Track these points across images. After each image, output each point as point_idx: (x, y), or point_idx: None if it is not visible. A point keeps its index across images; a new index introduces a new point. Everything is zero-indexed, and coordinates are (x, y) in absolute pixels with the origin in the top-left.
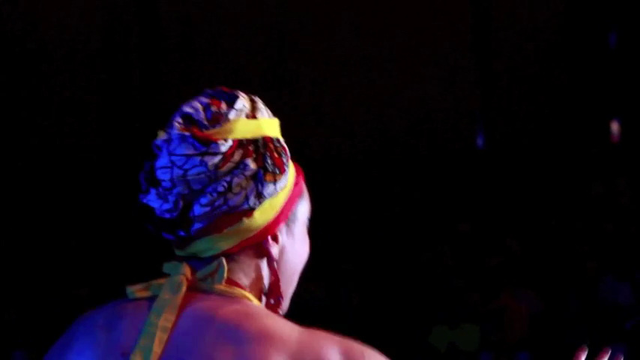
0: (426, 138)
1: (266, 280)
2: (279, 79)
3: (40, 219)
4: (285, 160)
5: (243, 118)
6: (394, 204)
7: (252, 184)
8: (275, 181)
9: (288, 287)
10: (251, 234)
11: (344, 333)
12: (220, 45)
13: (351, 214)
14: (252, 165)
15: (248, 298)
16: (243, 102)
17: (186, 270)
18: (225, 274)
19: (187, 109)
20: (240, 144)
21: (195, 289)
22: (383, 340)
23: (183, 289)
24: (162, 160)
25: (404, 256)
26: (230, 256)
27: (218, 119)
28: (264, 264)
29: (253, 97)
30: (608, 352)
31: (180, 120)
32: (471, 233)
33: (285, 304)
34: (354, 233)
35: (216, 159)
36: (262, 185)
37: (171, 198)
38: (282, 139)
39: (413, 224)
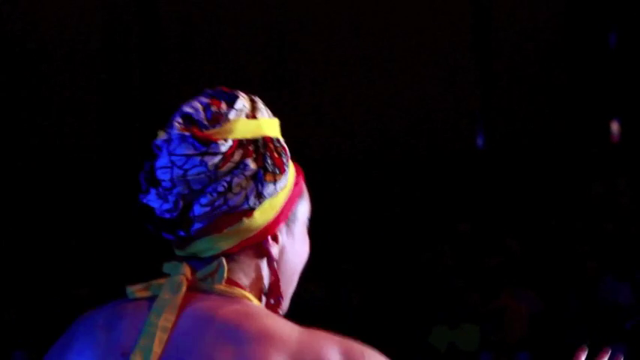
0: (426, 138)
1: (266, 280)
2: (279, 79)
3: (40, 219)
4: (285, 160)
5: (243, 118)
6: (394, 204)
7: (252, 184)
8: (275, 181)
9: (288, 287)
10: (251, 234)
11: (344, 333)
12: (220, 45)
13: (351, 214)
14: (252, 165)
15: (248, 298)
16: (243, 102)
17: (186, 270)
18: (225, 274)
19: (187, 109)
20: (240, 144)
21: (195, 289)
22: (383, 340)
23: (183, 289)
24: (163, 160)
25: (404, 256)
26: (230, 256)
27: (218, 119)
28: (264, 264)
29: (253, 97)
30: (608, 352)
31: (180, 120)
32: (471, 233)
33: (285, 304)
34: (354, 233)
35: (216, 159)
36: (262, 185)
37: (171, 198)
38: (282, 139)
39: (413, 224)
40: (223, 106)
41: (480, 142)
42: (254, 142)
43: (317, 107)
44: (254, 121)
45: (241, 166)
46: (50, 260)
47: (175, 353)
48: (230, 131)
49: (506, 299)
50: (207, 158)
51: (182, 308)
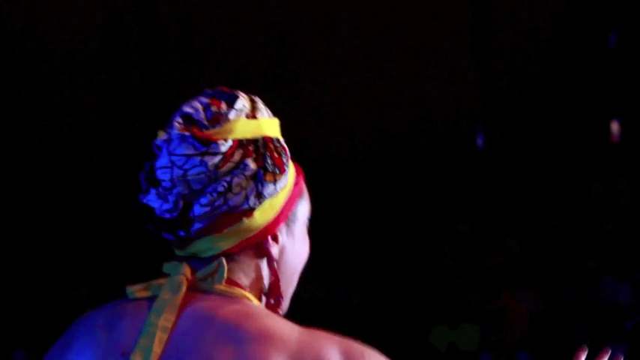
0: (426, 138)
1: (266, 280)
2: (279, 79)
3: (40, 219)
4: (285, 160)
5: (243, 118)
6: (394, 204)
7: (252, 184)
8: (275, 181)
9: (288, 287)
10: (251, 234)
11: (344, 333)
12: (220, 45)
13: (351, 214)
14: (252, 165)
15: (248, 298)
16: (243, 102)
17: (186, 270)
18: (225, 274)
19: (187, 109)
20: (240, 144)
21: (195, 289)
22: (383, 340)
23: (183, 289)
24: (163, 160)
25: (404, 256)
26: (230, 256)
27: (218, 119)
28: (264, 264)
29: (253, 97)
30: (608, 352)
31: (180, 120)
32: (471, 233)
33: (285, 304)
34: (354, 233)
35: (216, 159)
36: (262, 185)
37: (171, 198)
38: (282, 139)
39: (413, 224)
40: (223, 106)
41: (479, 142)
42: (254, 142)
43: (317, 107)
44: (254, 121)
45: (241, 166)
46: (50, 260)
47: (175, 353)
48: (230, 131)
49: (506, 299)
50: (207, 158)
51: (182, 308)
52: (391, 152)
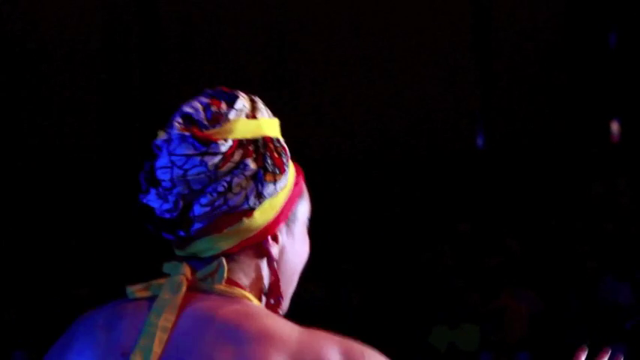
0: (426, 138)
1: (266, 280)
2: (279, 79)
3: (40, 219)
4: (285, 160)
5: (243, 118)
6: (394, 204)
7: (252, 184)
8: (275, 181)
9: (288, 287)
10: (251, 234)
11: (344, 333)
12: (220, 45)
13: (351, 214)
14: (252, 165)
15: (248, 298)
16: (243, 102)
17: (186, 270)
18: (225, 274)
19: (187, 109)
20: (240, 144)
21: (195, 289)
22: (383, 340)
23: (183, 289)
24: (163, 160)
25: (404, 256)
26: (230, 256)
27: (218, 119)
28: (264, 264)
29: (253, 97)
30: (608, 352)
31: (180, 120)
32: (471, 233)
33: (285, 304)
34: (354, 233)
35: (216, 159)
36: (262, 185)
37: (171, 198)
38: (282, 139)
39: (413, 224)
40: (223, 106)
41: (479, 142)
42: (254, 142)
43: (317, 107)
44: (254, 121)
45: (241, 166)
46: (50, 260)
47: (175, 353)
48: (230, 131)
49: (506, 299)
50: (207, 158)
51: (182, 308)
52: (391, 152)
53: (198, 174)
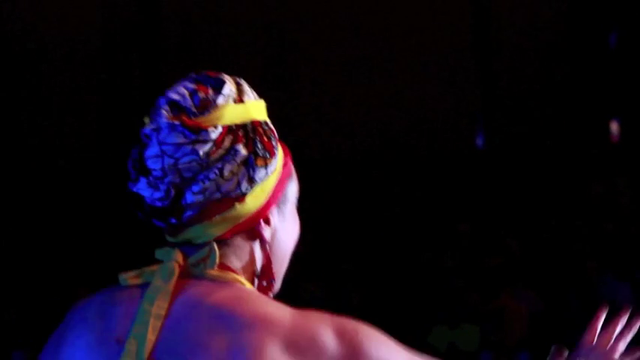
0: (426, 138)
1: (258, 263)
2: (279, 79)
3: (40, 219)
4: (274, 144)
5: (231, 103)
6: (394, 204)
7: (243, 169)
8: (266, 165)
9: (281, 268)
10: (243, 219)
11: None
12: (220, 45)
13: (351, 214)
14: (242, 151)
15: (240, 282)
16: (229, 86)
17: (178, 256)
18: (217, 259)
19: (173, 95)
20: (229, 130)
21: (188, 275)
22: None
23: (176, 275)
24: (153, 150)
25: (404, 256)
26: (222, 240)
27: (206, 106)
28: (256, 247)
29: (238, 79)
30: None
31: (167, 107)
32: (471, 233)
33: (277, 285)
34: (354, 233)
35: (207, 146)
36: (254, 170)
37: (162, 187)
38: (269, 122)
39: (413, 224)
40: (210, 91)
41: (479, 142)
42: (243, 127)
43: (317, 107)
44: (241, 105)
45: (232, 153)
46: (50, 260)
47: (170, 340)
48: (219, 118)
49: (506, 299)
50: (197, 146)
51: (175, 295)
52: (391, 152)
53: (190, 162)
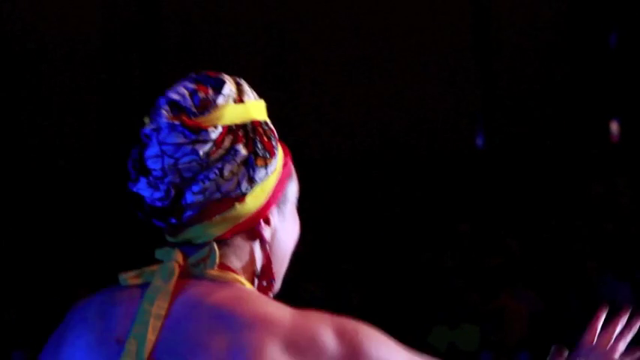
0: (426, 138)
1: (258, 263)
2: (279, 79)
3: (40, 219)
4: (274, 144)
5: (230, 103)
6: (394, 204)
7: (243, 169)
8: (266, 165)
9: (281, 268)
10: (243, 219)
11: None
12: (220, 45)
13: (351, 214)
14: (242, 151)
15: (240, 282)
16: (229, 86)
17: (178, 256)
18: (217, 259)
19: (173, 95)
20: (229, 130)
21: (188, 275)
22: None
23: (176, 275)
24: (153, 150)
25: (404, 256)
26: (222, 240)
27: (206, 106)
28: (256, 247)
29: (238, 79)
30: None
31: (167, 107)
32: (471, 233)
33: (277, 285)
34: (354, 233)
35: (207, 147)
36: (254, 170)
37: (162, 187)
38: (269, 122)
39: (413, 224)
40: (210, 91)
41: (479, 142)
42: (243, 127)
43: (317, 107)
44: (241, 105)
45: (232, 153)
46: (50, 260)
47: (170, 340)
48: (219, 117)
49: (506, 299)
50: (197, 146)
51: (175, 295)
52: (391, 152)
53: (190, 162)
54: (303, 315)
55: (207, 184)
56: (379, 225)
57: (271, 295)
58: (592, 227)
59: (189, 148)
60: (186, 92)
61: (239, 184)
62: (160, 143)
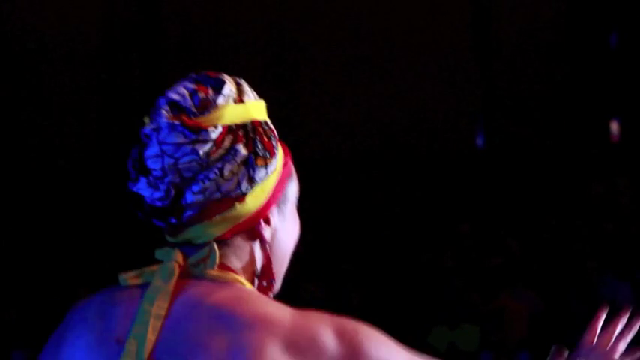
0: (426, 138)
1: (258, 263)
2: (279, 79)
3: (40, 219)
4: (274, 144)
5: (231, 103)
6: (394, 204)
7: (243, 169)
8: (266, 165)
9: (281, 268)
10: (243, 219)
11: None
12: (220, 45)
13: (351, 214)
14: (242, 151)
15: (240, 282)
16: (229, 86)
17: (178, 256)
18: (217, 259)
19: (173, 95)
20: (229, 130)
21: (188, 275)
22: None
23: (176, 275)
24: (152, 150)
25: (404, 256)
26: (222, 240)
27: (206, 106)
28: (256, 247)
29: (238, 79)
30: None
31: (167, 107)
32: (471, 233)
33: (277, 285)
34: (354, 233)
35: (207, 146)
36: (254, 170)
37: (162, 187)
38: (269, 122)
39: (413, 224)
40: (210, 91)
41: (479, 142)
42: (243, 127)
43: (317, 107)
44: (241, 105)
45: (232, 153)
46: (50, 260)
47: (170, 340)
48: (219, 118)
49: (506, 299)
50: (198, 146)
51: (175, 295)
52: (391, 152)
53: (190, 162)
54: (303, 315)
55: (207, 184)
56: (379, 225)
57: (271, 295)
58: (592, 227)
59: (189, 148)
60: (186, 92)
61: (239, 184)
62: (160, 143)
